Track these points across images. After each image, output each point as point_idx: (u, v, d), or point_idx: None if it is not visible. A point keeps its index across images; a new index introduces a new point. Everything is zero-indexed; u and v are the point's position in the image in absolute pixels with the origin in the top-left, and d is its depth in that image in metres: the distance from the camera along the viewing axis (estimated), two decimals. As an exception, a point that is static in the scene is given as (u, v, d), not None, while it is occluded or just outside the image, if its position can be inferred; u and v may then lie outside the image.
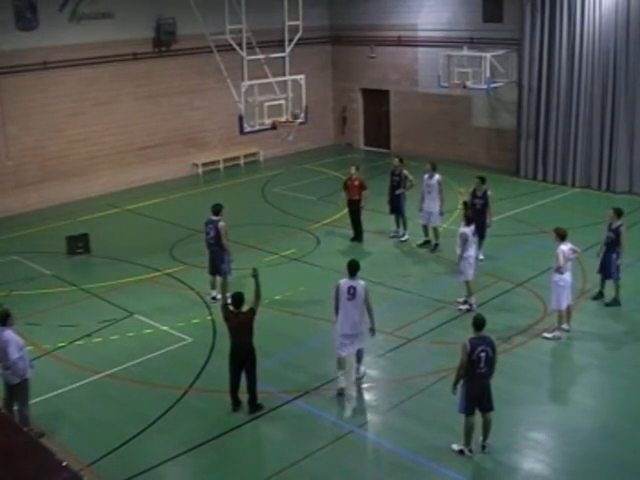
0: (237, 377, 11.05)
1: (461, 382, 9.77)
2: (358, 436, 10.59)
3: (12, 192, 21.44)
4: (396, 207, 17.86)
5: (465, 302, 14.29)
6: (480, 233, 16.15)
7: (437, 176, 17.06)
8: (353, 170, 17.83)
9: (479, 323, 9.77)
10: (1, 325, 10.39)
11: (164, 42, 23.71)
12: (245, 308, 10.98)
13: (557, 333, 13.05)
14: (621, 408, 11.04)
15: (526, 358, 12.53)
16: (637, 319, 13.78)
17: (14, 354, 10.21)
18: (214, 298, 14.80)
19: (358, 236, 18.08)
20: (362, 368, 11.92)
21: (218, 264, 14.62)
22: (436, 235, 17.32)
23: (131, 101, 23.56)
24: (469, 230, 14.15)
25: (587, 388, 11.92)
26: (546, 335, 13.04)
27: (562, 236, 12.86)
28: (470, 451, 9.97)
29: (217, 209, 14.67)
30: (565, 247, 12.79)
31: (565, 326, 13.14)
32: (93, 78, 22.54)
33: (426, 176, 17.19)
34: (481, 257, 16.40)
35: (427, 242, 17.56)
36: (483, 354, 9.57)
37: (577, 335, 13.16)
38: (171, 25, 23.57)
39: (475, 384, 9.69)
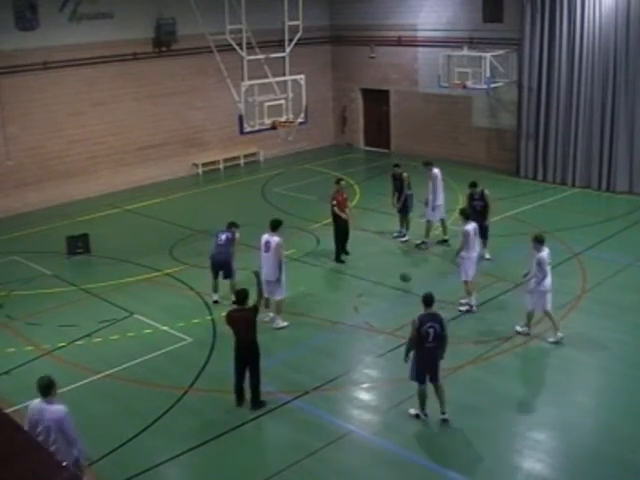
0: (241, 373, 11.14)
1: (413, 353, 10.47)
2: (358, 436, 10.59)
3: (12, 192, 21.44)
4: (405, 207, 17.89)
5: (466, 303, 14.25)
6: (482, 233, 16.22)
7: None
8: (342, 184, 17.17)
9: (427, 300, 10.45)
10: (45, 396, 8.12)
11: (164, 42, 23.73)
12: (250, 303, 11.17)
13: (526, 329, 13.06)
14: (621, 408, 11.03)
15: (526, 358, 12.53)
16: (637, 319, 13.78)
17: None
18: (216, 302, 14.78)
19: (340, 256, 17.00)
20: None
21: (229, 266, 14.73)
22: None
23: (131, 101, 23.56)
24: (471, 227, 14.19)
25: (587, 388, 11.91)
26: (549, 337, 13.02)
27: (541, 241, 12.80)
28: (425, 415, 10.72)
29: (232, 224, 15.01)
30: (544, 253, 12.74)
31: (526, 329, 13.08)
32: (93, 78, 22.54)
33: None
34: (487, 257, 16.41)
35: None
36: (431, 330, 10.26)
37: (577, 335, 13.14)
38: (171, 25, 23.57)
39: (424, 357, 10.39)
